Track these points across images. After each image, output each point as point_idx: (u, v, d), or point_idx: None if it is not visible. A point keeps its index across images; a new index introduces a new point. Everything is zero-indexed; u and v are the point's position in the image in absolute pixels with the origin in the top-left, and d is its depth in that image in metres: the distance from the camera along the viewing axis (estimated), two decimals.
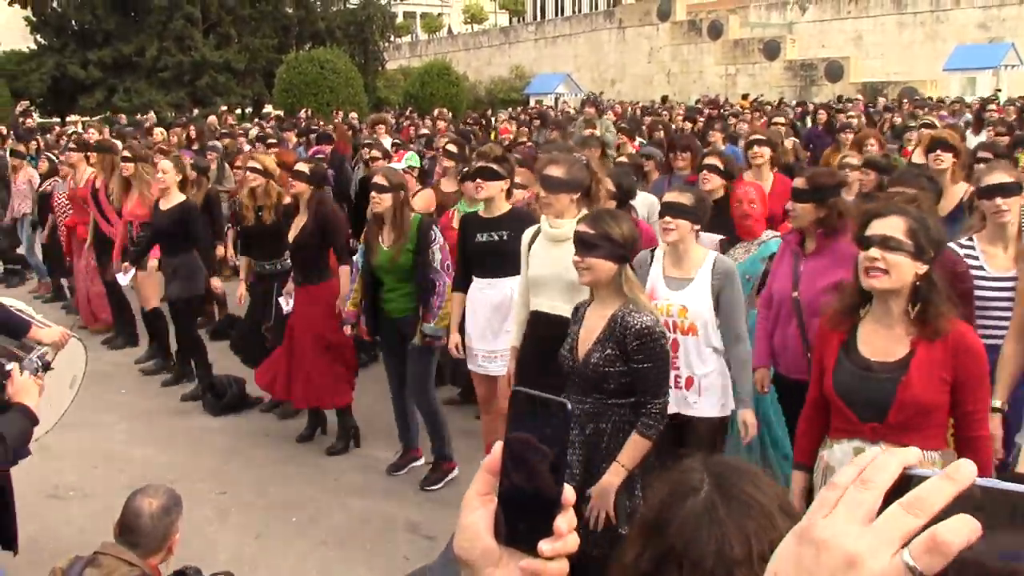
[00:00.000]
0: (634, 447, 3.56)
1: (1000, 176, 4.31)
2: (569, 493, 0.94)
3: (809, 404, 3.47)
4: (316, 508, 5.71)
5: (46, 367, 3.89)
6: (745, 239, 5.18)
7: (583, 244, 3.58)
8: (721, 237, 5.13)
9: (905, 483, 0.77)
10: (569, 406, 0.95)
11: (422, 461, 6.17)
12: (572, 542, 0.94)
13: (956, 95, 24.61)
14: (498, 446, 0.96)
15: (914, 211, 3.20)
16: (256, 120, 22.32)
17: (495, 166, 5.31)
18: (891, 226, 3.04)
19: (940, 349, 3.05)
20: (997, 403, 3.73)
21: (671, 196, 4.32)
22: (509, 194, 5.51)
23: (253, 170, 7.15)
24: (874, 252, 3.02)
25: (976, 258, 4.34)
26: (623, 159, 7.89)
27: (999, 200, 4.24)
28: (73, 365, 4.57)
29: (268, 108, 29.50)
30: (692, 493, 1.40)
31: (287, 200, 6.96)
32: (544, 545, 0.93)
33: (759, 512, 1.41)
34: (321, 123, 17.96)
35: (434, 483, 5.93)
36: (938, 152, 5.80)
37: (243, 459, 6.50)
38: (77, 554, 3.20)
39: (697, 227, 4.29)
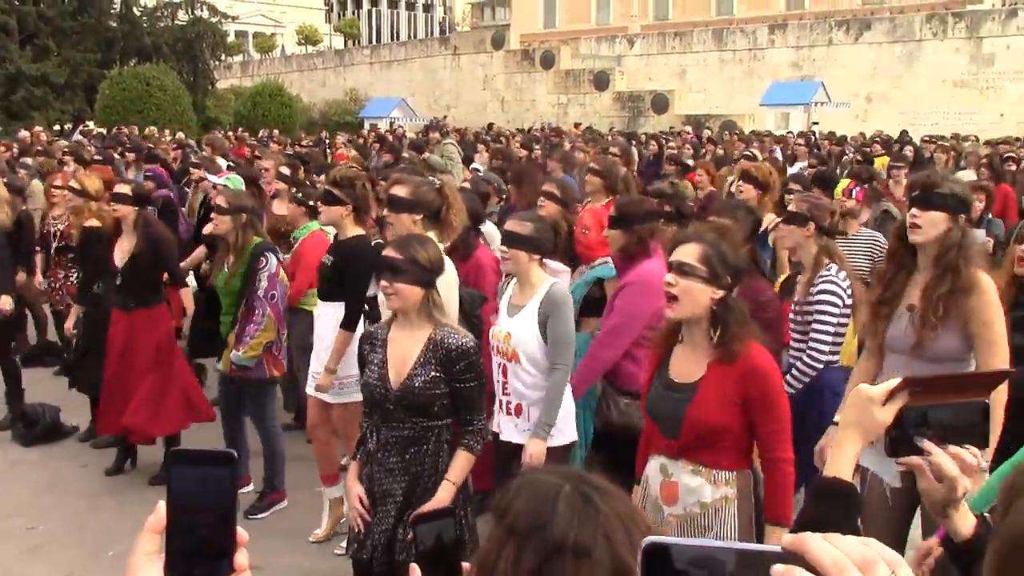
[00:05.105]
0: (462, 463, 3.61)
1: (791, 204, 4.62)
2: (243, 534, 1.03)
3: (647, 422, 3.57)
4: (136, 542, 5.43)
5: None
6: (584, 263, 5.29)
7: (390, 269, 3.55)
8: (566, 269, 5.20)
9: None
10: (235, 455, 1.04)
11: (250, 488, 6.01)
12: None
13: (771, 129, 25.95)
14: (161, 505, 1.04)
15: (711, 238, 3.32)
16: (75, 138, 21.24)
17: (336, 190, 5.27)
18: (687, 252, 3.19)
19: (731, 371, 3.16)
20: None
21: (510, 225, 4.36)
22: (359, 219, 5.41)
23: (72, 190, 6.93)
24: (670, 277, 3.16)
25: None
26: (465, 184, 7.91)
27: (773, 219, 4.55)
28: None
29: (90, 124, 28.19)
30: (558, 490, 1.43)
31: (92, 222, 6.72)
32: None
33: (622, 498, 1.47)
34: (150, 143, 17.34)
35: (260, 511, 5.82)
36: (740, 183, 6.15)
37: (58, 492, 6.17)
38: None
39: (536, 256, 4.30)
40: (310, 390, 5.48)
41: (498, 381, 4.33)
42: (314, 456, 5.73)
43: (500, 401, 4.35)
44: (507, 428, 4.34)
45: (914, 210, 3.54)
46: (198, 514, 1.02)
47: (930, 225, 3.53)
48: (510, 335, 4.26)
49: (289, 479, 6.02)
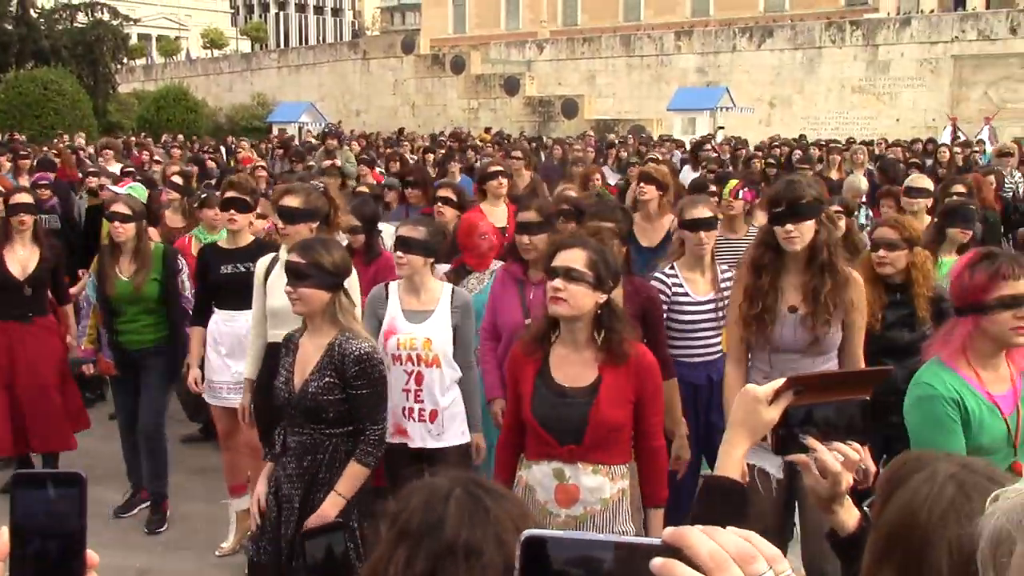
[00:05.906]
0: (352, 476, 3.54)
1: (702, 211, 4.67)
2: (93, 556, 1.01)
3: (506, 428, 3.60)
4: None
5: None
6: (477, 270, 5.32)
7: (294, 274, 3.54)
8: (448, 267, 5.24)
9: None
10: (84, 475, 1.01)
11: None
12: None
13: (678, 133, 26.36)
14: (4, 531, 0.99)
15: (594, 243, 3.41)
16: None
17: (248, 198, 5.25)
18: (573, 258, 3.24)
19: (624, 372, 3.27)
20: None
21: (404, 230, 4.38)
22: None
23: None
24: (558, 283, 3.21)
25: (681, 285, 4.68)
26: (363, 189, 7.94)
27: (702, 234, 4.61)
28: None
29: None
30: (448, 493, 1.46)
31: None
32: None
33: (513, 500, 1.53)
34: (45, 148, 16.81)
35: (160, 524, 5.70)
36: (642, 185, 6.27)
37: None
38: None
39: (431, 260, 4.36)
40: (212, 400, 5.41)
41: (408, 390, 4.30)
42: (221, 467, 5.64)
43: (411, 409, 4.32)
44: (419, 434, 4.34)
45: (788, 225, 3.67)
46: (44, 539, 0.98)
47: (806, 233, 3.69)
48: (430, 340, 4.26)
49: (197, 491, 5.92)
